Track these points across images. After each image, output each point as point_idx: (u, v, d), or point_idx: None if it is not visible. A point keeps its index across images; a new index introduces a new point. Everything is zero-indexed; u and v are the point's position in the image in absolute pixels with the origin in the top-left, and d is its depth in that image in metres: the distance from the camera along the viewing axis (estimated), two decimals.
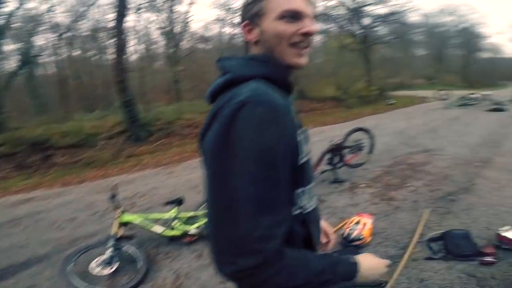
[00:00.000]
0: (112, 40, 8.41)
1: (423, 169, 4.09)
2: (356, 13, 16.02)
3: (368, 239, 2.24)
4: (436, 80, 28.57)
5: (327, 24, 19.16)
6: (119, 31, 8.06)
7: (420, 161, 4.45)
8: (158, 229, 2.54)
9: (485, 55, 36.99)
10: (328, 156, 3.79)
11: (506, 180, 3.47)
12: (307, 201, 0.61)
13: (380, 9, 16.73)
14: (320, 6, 16.30)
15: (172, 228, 2.57)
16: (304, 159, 0.58)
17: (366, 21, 16.92)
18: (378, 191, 3.38)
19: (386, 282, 1.79)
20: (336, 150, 3.81)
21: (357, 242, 2.19)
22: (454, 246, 2.03)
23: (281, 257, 0.48)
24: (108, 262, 2.13)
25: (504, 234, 2.07)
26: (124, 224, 2.33)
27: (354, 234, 2.21)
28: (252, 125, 0.48)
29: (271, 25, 0.61)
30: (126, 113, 8.45)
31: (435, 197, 3.07)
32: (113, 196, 2.31)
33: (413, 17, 21.93)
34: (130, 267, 2.19)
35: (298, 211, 0.59)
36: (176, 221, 2.59)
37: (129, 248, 2.29)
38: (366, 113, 11.12)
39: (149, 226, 2.53)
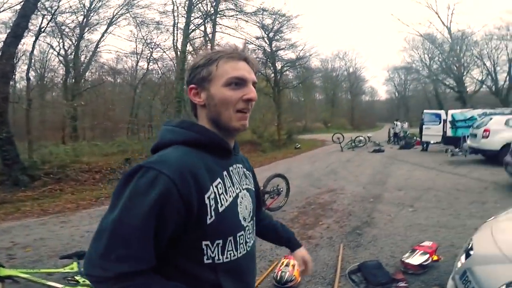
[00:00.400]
0: None
1: (331, 207, 4.60)
2: (271, 57, 17.78)
3: (299, 279, 2.28)
4: (331, 124, 33.72)
5: None
6: (8, 54, 6.78)
7: (327, 200, 5.00)
8: (56, 284, 2.17)
9: (365, 98, 46.46)
10: None
11: (395, 212, 4.20)
12: (220, 252, 0.64)
13: (290, 54, 18.96)
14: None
15: (76, 283, 2.20)
16: (212, 219, 0.62)
17: (278, 65, 18.84)
18: (298, 231, 3.56)
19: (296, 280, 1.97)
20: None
21: (290, 284, 2.23)
22: (371, 276, 2.25)
23: (128, 279, 0.55)
24: None
25: (406, 260, 2.42)
26: (3, 279, 2.02)
27: (287, 276, 2.24)
28: (139, 185, 0.56)
29: (219, 91, 0.66)
30: (1, 152, 6.85)
31: (345, 232, 3.44)
32: None
33: (314, 63, 24.38)
34: None
35: (208, 261, 0.63)
36: (79, 276, 2.22)
37: None
38: (279, 157, 12.09)
39: (42, 280, 2.16)
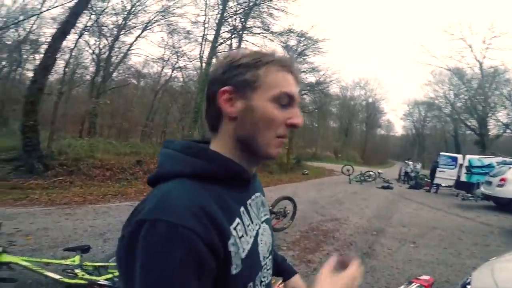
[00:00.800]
0: (36, 55, 7.67)
1: (333, 235, 4.61)
2: None
3: None
4: (341, 155, 33.29)
5: None
6: (54, 48, 7.31)
7: (330, 228, 5.00)
8: (54, 275, 2.19)
9: (380, 132, 44.73)
10: None
11: (396, 246, 4.25)
12: None
13: (311, 78, 18.58)
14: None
15: (75, 276, 2.23)
16: (238, 268, 0.48)
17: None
18: (298, 254, 3.62)
19: None
20: None
21: None
22: None
23: None
24: None
25: None
26: (2, 265, 2.04)
27: None
28: (151, 249, 0.41)
29: (264, 104, 0.52)
30: (24, 139, 7.16)
31: None
32: None
33: (333, 89, 23.37)
34: None
35: None
36: (79, 269, 2.26)
37: None
38: (285, 181, 12.17)
39: (41, 270, 2.18)
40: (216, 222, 0.45)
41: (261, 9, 15.08)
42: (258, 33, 15.73)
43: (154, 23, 15.60)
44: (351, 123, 40.34)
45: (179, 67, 16.95)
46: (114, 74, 16.92)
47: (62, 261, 2.35)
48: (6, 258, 2.05)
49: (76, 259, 2.34)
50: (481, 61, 23.74)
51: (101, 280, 2.24)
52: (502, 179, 7.68)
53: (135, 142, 15.00)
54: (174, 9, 15.29)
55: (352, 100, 40.18)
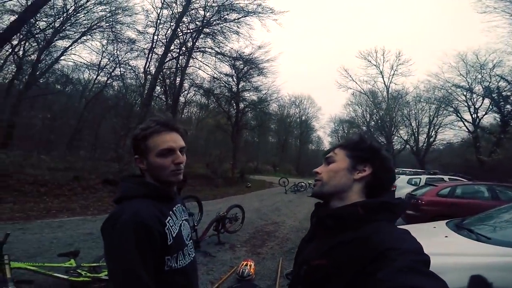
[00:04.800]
0: None
1: (274, 234, 5.78)
2: (236, 96, 18.24)
3: (254, 275, 3.33)
4: (279, 168, 34.78)
5: (209, 100, 20.56)
6: None
7: (271, 230, 6.16)
8: (62, 275, 2.58)
9: (312, 147, 45.86)
10: (215, 224, 4.80)
11: None
12: (175, 262, 0.88)
13: (253, 96, 19.51)
14: (208, 82, 18.04)
15: (79, 275, 2.65)
16: (171, 241, 0.87)
17: (241, 105, 19.17)
18: (249, 249, 4.64)
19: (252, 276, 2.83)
20: (220, 220, 4.90)
21: (248, 278, 3.23)
22: None
23: None
24: None
25: None
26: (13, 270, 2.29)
27: (246, 272, 3.26)
28: (122, 235, 0.79)
29: (154, 160, 0.89)
30: None
31: (284, 251, 4.64)
32: (1, 244, 2.30)
33: (272, 107, 24.47)
34: None
35: (168, 268, 0.87)
36: (80, 269, 2.70)
37: None
38: (231, 193, 13.01)
39: (49, 272, 2.54)
40: (158, 218, 0.85)
41: (214, 29, 15.39)
42: (209, 53, 16.04)
43: (96, 28, 14.45)
44: (287, 139, 42.66)
45: (117, 75, 15.84)
46: (41, 80, 14.92)
47: (63, 264, 2.71)
48: (16, 264, 2.35)
49: (72, 262, 2.75)
50: (388, 86, 28.94)
51: (103, 276, 2.72)
52: (393, 186, 9.94)
53: (68, 158, 13.68)
54: (122, 17, 14.60)
55: (288, 118, 42.37)
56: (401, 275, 0.53)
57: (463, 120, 22.84)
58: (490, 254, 2.12)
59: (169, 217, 0.90)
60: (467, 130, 22.87)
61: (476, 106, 21.81)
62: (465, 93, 22.12)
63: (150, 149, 0.89)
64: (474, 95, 21.65)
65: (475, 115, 21.99)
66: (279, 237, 5.55)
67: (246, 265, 3.37)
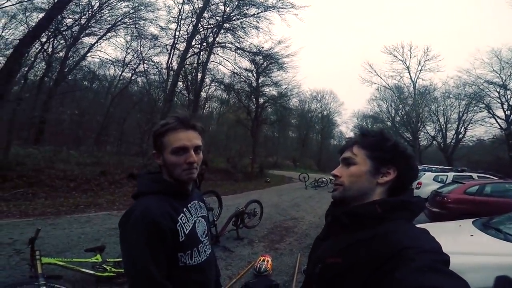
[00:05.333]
0: None
1: (293, 230, 5.76)
2: (256, 91, 18.40)
3: (271, 271, 3.36)
4: (299, 163, 34.57)
5: (229, 95, 20.68)
6: (20, 53, 6.89)
7: (290, 225, 6.14)
8: (89, 270, 2.69)
9: (333, 142, 44.83)
10: (234, 219, 4.87)
11: None
12: (189, 258, 0.90)
13: (273, 91, 19.60)
14: (229, 77, 18.22)
15: (105, 270, 2.77)
16: (183, 238, 0.88)
17: (261, 100, 19.34)
18: (267, 244, 4.67)
19: (278, 285, 2.82)
20: (239, 215, 4.96)
21: (265, 273, 3.26)
22: None
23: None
24: None
25: None
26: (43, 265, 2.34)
27: (263, 267, 3.29)
28: (133, 229, 0.82)
29: (168, 157, 0.91)
30: None
31: (302, 247, 4.61)
32: (33, 240, 2.37)
33: (293, 102, 24.34)
34: None
35: (182, 264, 0.88)
36: (105, 265, 2.81)
37: (62, 287, 2.27)
38: (250, 188, 13.12)
39: (77, 267, 2.65)
40: (169, 215, 0.87)
41: (234, 24, 15.51)
42: (229, 48, 16.16)
43: (120, 25, 14.88)
44: (308, 134, 42.30)
45: (141, 71, 16.24)
46: (69, 77, 15.52)
47: (89, 260, 2.83)
48: (46, 260, 2.44)
49: (98, 257, 2.87)
50: (415, 81, 28.00)
51: None
52: (418, 183, 9.59)
53: (95, 153, 14.39)
54: (144, 13, 14.93)
55: (310, 113, 41.92)
56: (420, 275, 0.52)
57: (496, 117, 22.06)
58: None
59: (182, 214, 0.92)
60: (499, 127, 22.09)
61: (510, 103, 21.01)
62: (498, 90, 21.37)
63: (165, 146, 0.91)
64: (509, 92, 20.89)
65: (509, 111, 21.17)
66: (297, 233, 5.54)
67: (263, 260, 3.40)
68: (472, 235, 2.56)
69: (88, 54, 15.43)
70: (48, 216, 5.44)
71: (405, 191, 0.75)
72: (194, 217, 0.97)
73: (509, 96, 20.98)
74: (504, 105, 21.30)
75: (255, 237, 5.01)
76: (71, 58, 14.97)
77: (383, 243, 0.63)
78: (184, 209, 0.94)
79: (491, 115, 22.18)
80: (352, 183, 0.75)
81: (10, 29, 13.03)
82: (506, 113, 21.23)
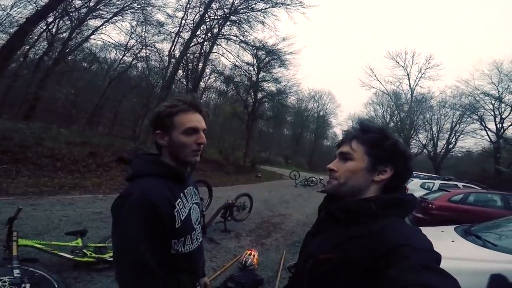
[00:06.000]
0: None
1: (280, 226, 5.80)
2: (255, 86, 18.47)
3: (256, 266, 3.37)
4: (291, 161, 34.75)
5: (228, 87, 20.77)
6: (25, 31, 6.70)
7: (278, 222, 6.18)
8: (67, 255, 2.61)
9: (327, 143, 45.22)
10: (222, 211, 4.85)
11: None
12: (182, 246, 0.88)
13: (272, 87, 19.73)
14: (229, 69, 18.26)
15: (84, 255, 2.70)
16: (179, 224, 0.85)
17: (259, 95, 19.48)
18: (254, 239, 4.68)
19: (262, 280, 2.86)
20: (228, 208, 4.94)
21: (251, 267, 3.27)
22: None
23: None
24: (17, 283, 1.97)
25: None
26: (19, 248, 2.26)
27: (249, 261, 3.29)
28: (129, 213, 0.78)
29: (178, 136, 0.89)
30: None
31: (288, 244, 4.64)
32: (11, 220, 2.29)
33: (290, 99, 24.73)
34: None
35: (174, 252, 0.86)
36: (85, 249, 2.74)
37: (37, 271, 2.20)
38: (241, 181, 13.12)
39: (55, 251, 2.57)
40: (168, 199, 0.84)
41: (240, 17, 15.47)
42: (233, 41, 16.12)
43: (128, 9, 14.66)
44: (302, 132, 42.61)
45: (142, 56, 16.17)
46: (69, 57, 15.37)
47: (69, 243, 2.72)
48: (24, 242, 2.34)
49: (79, 241, 2.78)
50: (413, 88, 28.21)
51: (107, 257, 2.76)
52: (405, 189, 9.80)
53: (86, 133, 14.13)
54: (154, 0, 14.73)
55: (306, 111, 42.07)
56: (414, 273, 0.52)
57: (487, 129, 22.53)
58: (496, 261, 2.13)
59: (179, 199, 0.90)
60: (489, 140, 22.58)
61: (503, 116, 21.41)
62: (493, 102, 21.77)
63: (175, 126, 0.89)
64: (503, 105, 21.24)
65: (500, 125, 21.66)
66: (284, 230, 5.57)
67: (250, 254, 3.40)
68: (453, 241, 2.66)
69: (92, 36, 15.33)
70: (30, 196, 5.22)
71: (398, 190, 0.75)
72: (190, 203, 0.96)
73: (503, 109, 21.41)
74: (496, 118, 21.74)
75: (242, 231, 5.01)
76: (74, 39, 14.81)
77: (377, 240, 0.62)
78: (181, 194, 0.92)
79: (482, 127, 22.65)
80: (348, 179, 0.75)
81: (19, 8, 12.66)
82: (498, 126, 21.68)
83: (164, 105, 0.91)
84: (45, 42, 14.16)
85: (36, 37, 12.97)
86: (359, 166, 0.74)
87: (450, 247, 2.56)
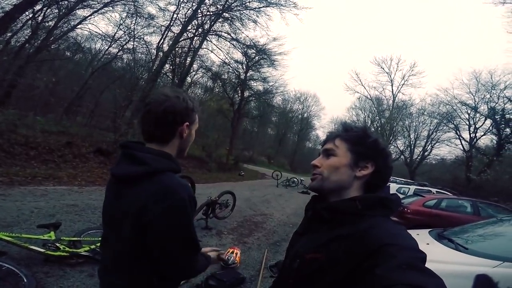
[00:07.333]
0: None
1: (262, 226, 5.80)
2: (242, 84, 18.43)
3: (239, 264, 3.37)
4: (273, 161, 35.12)
5: (215, 83, 20.66)
6: (10, 17, 6.38)
7: (259, 221, 6.19)
8: (38, 248, 2.48)
9: (309, 144, 46.21)
10: (204, 208, 4.78)
11: None
12: None
13: (259, 86, 19.77)
14: (218, 66, 18.09)
15: (57, 249, 2.58)
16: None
17: (246, 93, 19.45)
18: (236, 237, 4.65)
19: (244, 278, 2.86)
20: (211, 205, 4.89)
21: (233, 265, 3.26)
22: None
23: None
24: None
25: None
26: None
27: (231, 260, 3.29)
28: (181, 212, 0.81)
29: (193, 133, 0.98)
30: None
31: (270, 243, 4.66)
32: None
33: (276, 100, 24.84)
34: (12, 284, 2.05)
35: None
36: (59, 243, 2.62)
37: (4, 264, 2.10)
38: (223, 179, 13.01)
39: (24, 244, 2.43)
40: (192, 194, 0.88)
41: (233, 14, 15.35)
42: (224, 38, 15.98)
43: (120, 0, 14.21)
44: (286, 133, 42.99)
45: (129, 48, 15.82)
46: (53, 46, 14.66)
47: (41, 236, 2.59)
48: None
49: (52, 234, 2.65)
50: (395, 95, 28.96)
51: (82, 251, 2.66)
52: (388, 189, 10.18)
53: (64, 122, 13.52)
54: None
55: (291, 113, 42.48)
56: (400, 272, 0.52)
57: (461, 138, 23.31)
58: (467, 263, 2.24)
59: None
60: (462, 149, 23.41)
61: (477, 126, 22.20)
62: (469, 111, 22.43)
63: (195, 122, 0.98)
64: (478, 115, 21.97)
65: (474, 134, 22.43)
66: (266, 229, 5.59)
67: (232, 252, 3.39)
68: (428, 244, 2.76)
69: (79, 26, 14.78)
70: None
71: (381, 188, 0.78)
72: None
73: (477, 119, 22.20)
74: (470, 128, 22.51)
75: (224, 229, 4.97)
76: (59, 28, 14.18)
77: (364, 239, 0.63)
78: None
79: (457, 136, 23.46)
80: (331, 174, 0.76)
81: None
82: (471, 136, 22.46)
83: (190, 99, 0.94)
84: (29, 30, 13.45)
85: (21, 24, 12.31)
86: (342, 162, 0.76)
87: (425, 249, 2.64)
